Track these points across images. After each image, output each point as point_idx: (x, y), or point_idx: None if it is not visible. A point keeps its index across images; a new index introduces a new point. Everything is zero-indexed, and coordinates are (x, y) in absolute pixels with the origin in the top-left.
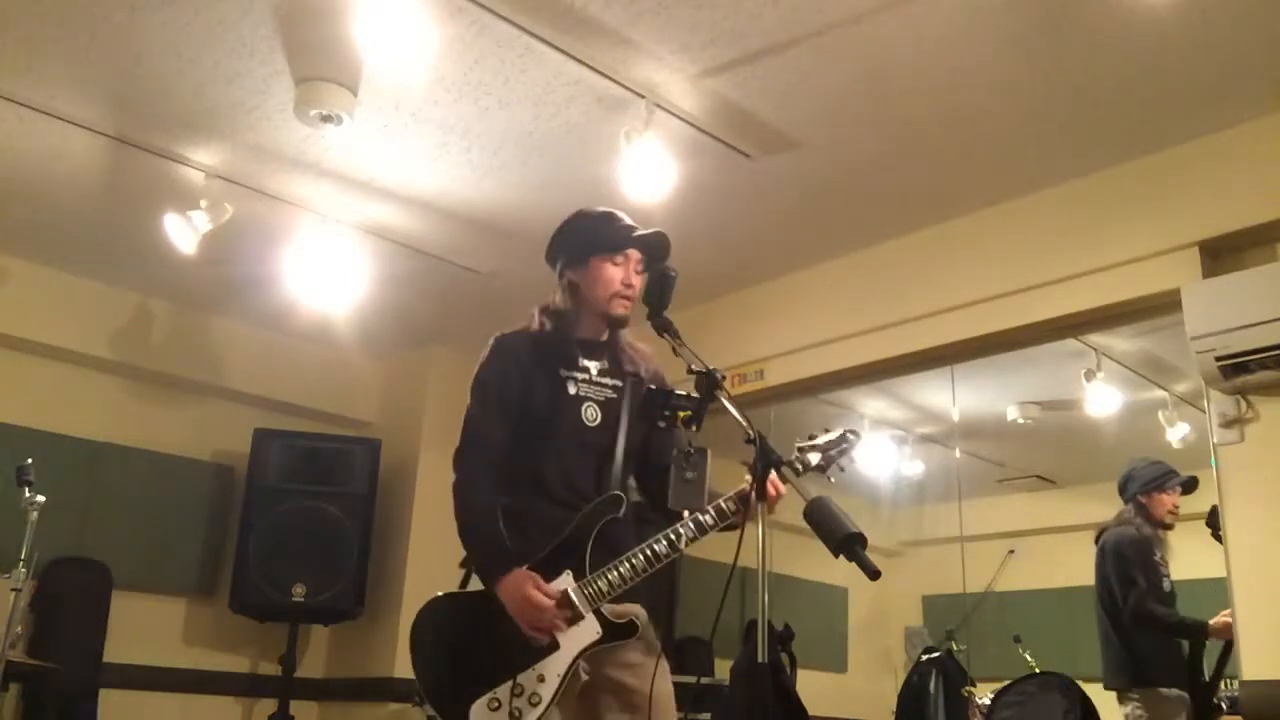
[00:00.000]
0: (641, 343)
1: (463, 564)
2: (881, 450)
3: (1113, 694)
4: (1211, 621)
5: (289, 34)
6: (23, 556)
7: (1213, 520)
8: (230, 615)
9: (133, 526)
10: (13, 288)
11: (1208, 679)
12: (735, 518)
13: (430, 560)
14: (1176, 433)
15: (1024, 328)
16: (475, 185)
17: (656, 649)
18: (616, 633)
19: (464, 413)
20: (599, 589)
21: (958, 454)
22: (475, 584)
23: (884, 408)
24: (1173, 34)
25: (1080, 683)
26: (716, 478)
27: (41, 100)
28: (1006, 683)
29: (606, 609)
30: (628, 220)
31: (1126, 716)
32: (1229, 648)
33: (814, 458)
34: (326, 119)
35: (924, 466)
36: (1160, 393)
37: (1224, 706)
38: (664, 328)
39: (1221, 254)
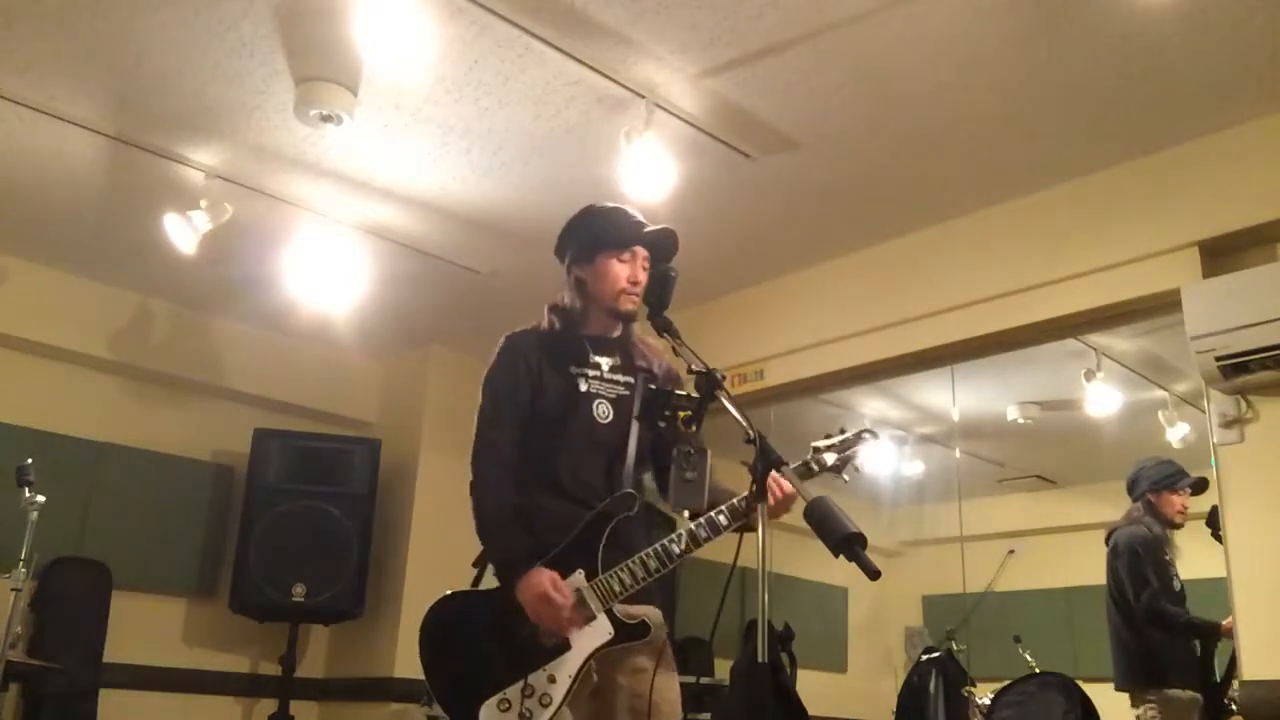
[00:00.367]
0: (653, 339)
1: (476, 563)
2: (882, 450)
3: (1112, 693)
4: (1224, 622)
5: (289, 34)
6: (23, 556)
7: (1213, 520)
8: (230, 615)
9: (133, 526)
10: (13, 288)
11: (1219, 679)
12: (750, 517)
13: (430, 560)
14: (1176, 433)
15: (1024, 328)
16: (475, 185)
17: (667, 654)
18: (628, 633)
19: (476, 413)
20: (612, 589)
21: (958, 454)
22: (488, 583)
23: (884, 408)
24: (1173, 34)
25: (1080, 683)
26: (717, 478)
27: (41, 100)
28: (1006, 683)
29: (619, 609)
30: (636, 215)
31: (1139, 718)
32: None
33: (829, 458)
34: (326, 119)
35: (924, 466)
36: (1160, 393)
37: (1234, 707)
38: (664, 327)
39: (1221, 254)
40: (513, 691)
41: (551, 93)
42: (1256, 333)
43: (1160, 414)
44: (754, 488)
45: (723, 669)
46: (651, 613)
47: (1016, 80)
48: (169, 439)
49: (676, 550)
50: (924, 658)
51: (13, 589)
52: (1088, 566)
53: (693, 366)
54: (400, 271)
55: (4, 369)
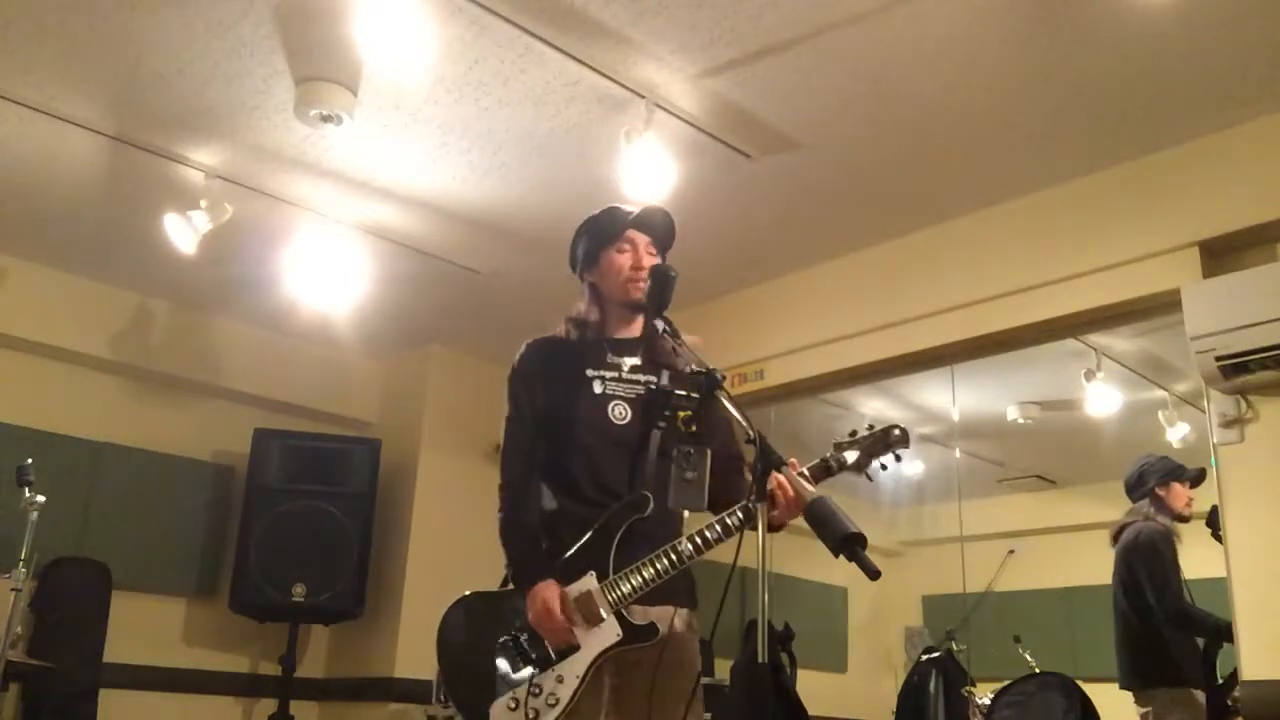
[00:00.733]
0: (692, 335)
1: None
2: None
3: (1112, 693)
4: None
5: (289, 34)
6: (23, 556)
7: (1213, 520)
8: (230, 615)
9: (133, 526)
10: (13, 288)
11: (1221, 680)
12: (771, 516)
13: (430, 560)
14: (1176, 433)
15: (1024, 328)
16: (475, 185)
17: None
18: (637, 635)
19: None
20: (622, 591)
21: (958, 454)
22: None
23: (884, 408)
24: (1173, 34)
25: (1080, 683)
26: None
27: (41, 100)
28: (1006, 683)
29: (637, 610)
30: (625, 207)
31: (1144, 716)
32: None
33: (850, 455)
34: (326, 119)
35: (924, 466)
36: (1160, 393)
37: (1237, 707)
38: (663, 327)
39: (1221, 254)
40: (521, 691)
41: (551, 93)
42: (1256, 333)
43: (1160, 414)
44: (754, 489)
45: (723, 669)
46: (676, 616)
47: (1016, 80)
48: (169, 439)
49: (687, 552)
50: (924, 658)
51: (13, 589)
52: (1088, 566)
53: (693, 366)
54: (400, 271)
55: (4, 369)
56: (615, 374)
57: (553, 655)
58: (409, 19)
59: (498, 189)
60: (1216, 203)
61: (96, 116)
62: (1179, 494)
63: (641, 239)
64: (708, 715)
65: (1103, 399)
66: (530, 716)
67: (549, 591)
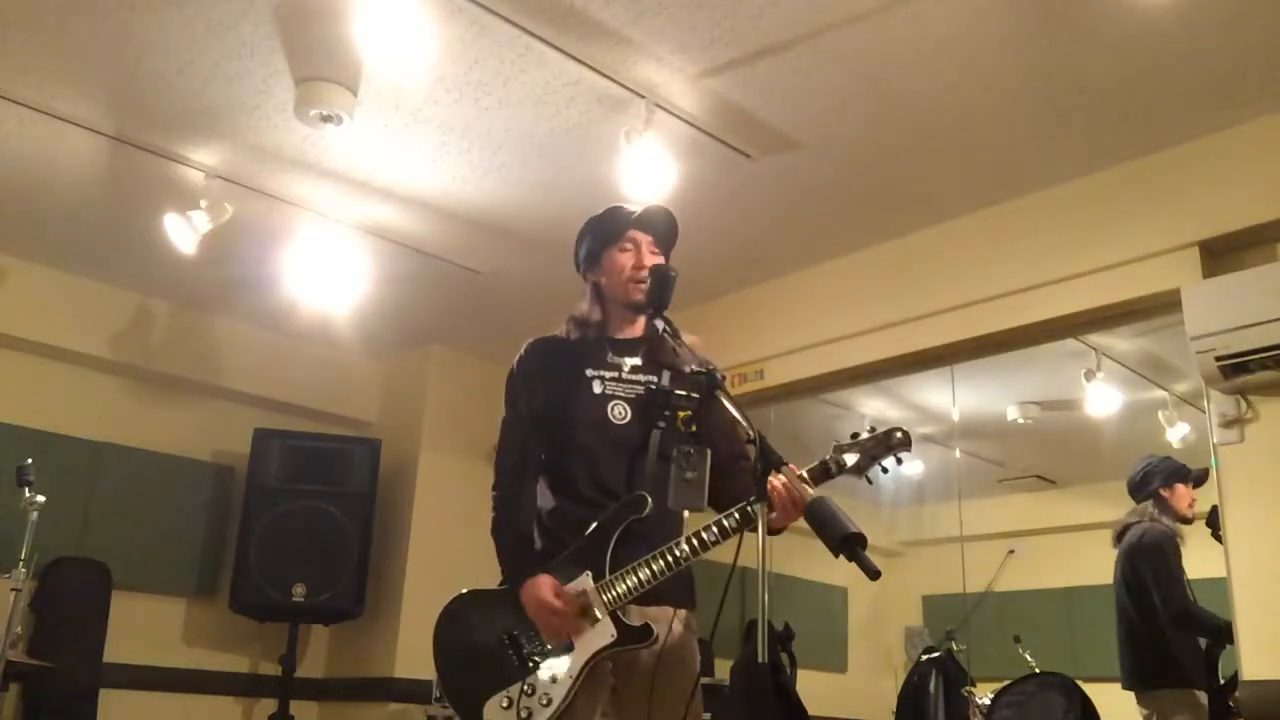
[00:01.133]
0: (691, 335)
1: None
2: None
3: (1113, 693)
4: None
5: (289, 34)
6: (23, 556)
7: (1213, 520)
8: (230, 615)
9: (133, 526)
10: (13, 288)
11: (1223, 681)
12: (771, 519)
13: (430, 560)
14: (1176, 433)
15: (1024, 328)
16: (475, 185)
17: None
18: (632, 636)
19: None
20: (618, 592)
21: (958, 454)
22: None
23: (884, 408)
24: (1173, 34)
25: (1080, 683)
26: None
27: (41, 100)
28: (1006, 683)
29: (634, 610)
30: (628, 207)
31: (1146, 717)
32: None
33: (851, 457)
34: (326, 119)
35: (924, 466)
36: (1160, 393)
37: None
38: (663, 327)
39: (1221, 254)
40: (515, 690)
41: (551, 93)
42: (1256, 333)
43: (1160, 414)
44: (754, 489)
45: (723, 669)
46: (668, 615)
47: (1016, 80)
48: (169, 439)
49: (684, 554)
50: (924, 658)
51: (13, 589)
52: (1088, 566)
53: (693, 366)
54: (400, 271)
55: (4, 369)
56: (615, 374)
57: (548, 655)
58: (409, 19)
59: (498, 189)
60: (1216, 203)
61: (96, 116)
62: (1183, 495)
63: (644, 238)
64: (707, 715)
65: (1103, 399)
66: (523, 716)
67: (544, 585)
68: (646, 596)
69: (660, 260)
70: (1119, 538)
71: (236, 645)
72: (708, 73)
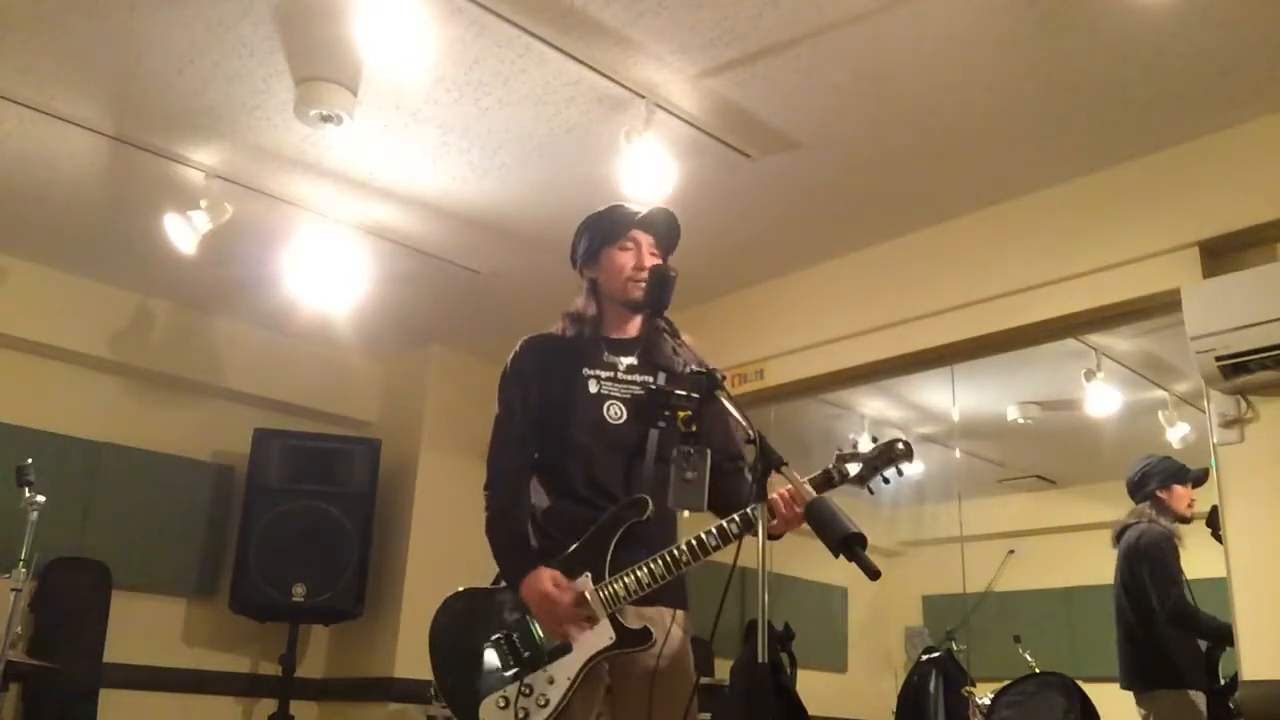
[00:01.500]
0: (687, 335)
1: None
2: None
3: (1112, 693)
4: None
5: (289, 34)
6: (23, 556)
7: (1213, 520)
8: (230, 615)
9: (133, 526)
10: (13, 288)
11: (1224, 682)
12: (769, 527)
13: (430, 560)
14: (1176, 433)
15: (1024, 328)
16: (475, 185)
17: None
18: (630, 639)
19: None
20: (616, 593)
21: (958, 454)
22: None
23: (884, 408)
24: (1173, 34)
25: (1080, 683)
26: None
27: (41, 100)
28: (1006, 683)
29: (630, 611)
30: (631, 207)
31: (1144, 718)
32: None
33: (853, 467)
34: (326, 119)
35: (924, 466)
36: (1160, 393)
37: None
38: (663, 327)
39: (1221, 254)
40: (511, 690)
41: (551, 93)
42: (1256, 333)
43: (1160, 414)
44: (754, 489)
45: (723, 669)
46: (668, 616)
47: (1016, 80)
48: (169, 439)
49: (683, 558)
50: (924, 658)
51: (13, 589)
52: (1088, 566)
53: (692, 366)
54: (400, 271)
55: (4, 369)
56: (611, 373)
57: (545, 655)
58: (409, 19)
59: (498, 189)
60: (1216, 203)
61: (96, 116)
62: (1180, 496)
63: (645, 239)
64: (706, 715)
65: (1103, 399)
66: (520, 716)
67: (545, 576)
68: (642, 597)
69: (659, 262)
70: (1117, 539)
71: (236, 645)
72: (708, 73)
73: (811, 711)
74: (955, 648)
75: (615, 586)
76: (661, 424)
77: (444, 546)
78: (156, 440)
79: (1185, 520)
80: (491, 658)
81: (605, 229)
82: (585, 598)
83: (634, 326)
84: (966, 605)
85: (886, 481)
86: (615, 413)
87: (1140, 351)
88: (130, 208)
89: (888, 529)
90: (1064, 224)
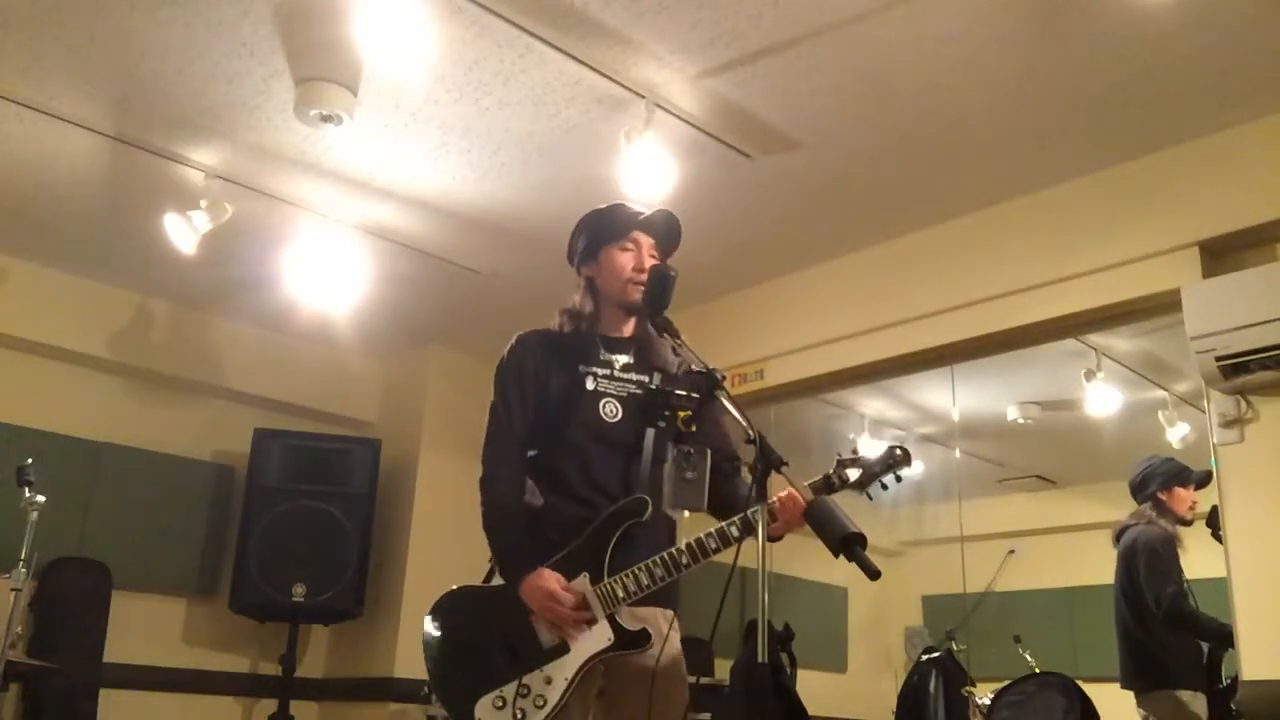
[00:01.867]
0: (685, 335)
1: (492, 559)
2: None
3: (1113, 693)
4: None
5: (289, 34)
6: (23, 556)
7: (1213, 520)
8: (230, 615)
9: (133, 526)
10: (13, 288)
11: (1225, 683)
12: (769, 529)
13: (430, 560)
14: (1176, 433)
15: (1024, 328)
16: (475, 185)
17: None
18: (629, 640)
19: (489, 410)
20: (615, 594)
21: (958, 454)
22: (499, 579)
23: (884, 408)
24: (1173, 34)
25: (1080, 683)
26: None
27: (41, 100)
28: (1006, 683)
29: (625, 612)
30: (633, 207)
31: (1145, 719)
32: None
33: (853, 473)
34: (326, 119)
35: (924, 466)
36: (1160, 393)
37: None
38: (664, 328)
39: (1221, 254)
40: (509, 690)
41: (551, 93)
42: (1256, 333)
43: (1160, 414)
44: (754, 489)
45: (723, 669)
46: (660, 617)
47: (1016, 80)
48: (169, 439)
49: (683, 560)
50: (924, 658)
51: (13, 589)
52: (1088, 566)
53: (693, 366)
54: (400, 271)
55: (4, 369)
56: (607, 371)
57: (542, 655)
58: (409, 19)
59: (498, 189)
60: (1216, 203)
61: (96, 116)
62: (1181, 498)
63: (646, 241)
64: (706, 715)
65: (1103, 399)
66: (518, 717)
67: (547, 576)
68: (643, 597)
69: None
70: (1117, 539)
71: (236, 645)
72: (708, 73)
73: (811, 711)
74: (955, 648)
75: (615, 587)
76: (661, 424)
77: (444, 546)
78: (156, 440)
79: (1186, 522)
80: (488, 656)
81: (606, 228)
82: (584, 601)
83: (630, 326)
84: (966, 605)
85: (885, 488)
86: (611, 410)
87: (1140, 351)
88: (130, 208)
89: (888, 529)
90: (1064, 224)
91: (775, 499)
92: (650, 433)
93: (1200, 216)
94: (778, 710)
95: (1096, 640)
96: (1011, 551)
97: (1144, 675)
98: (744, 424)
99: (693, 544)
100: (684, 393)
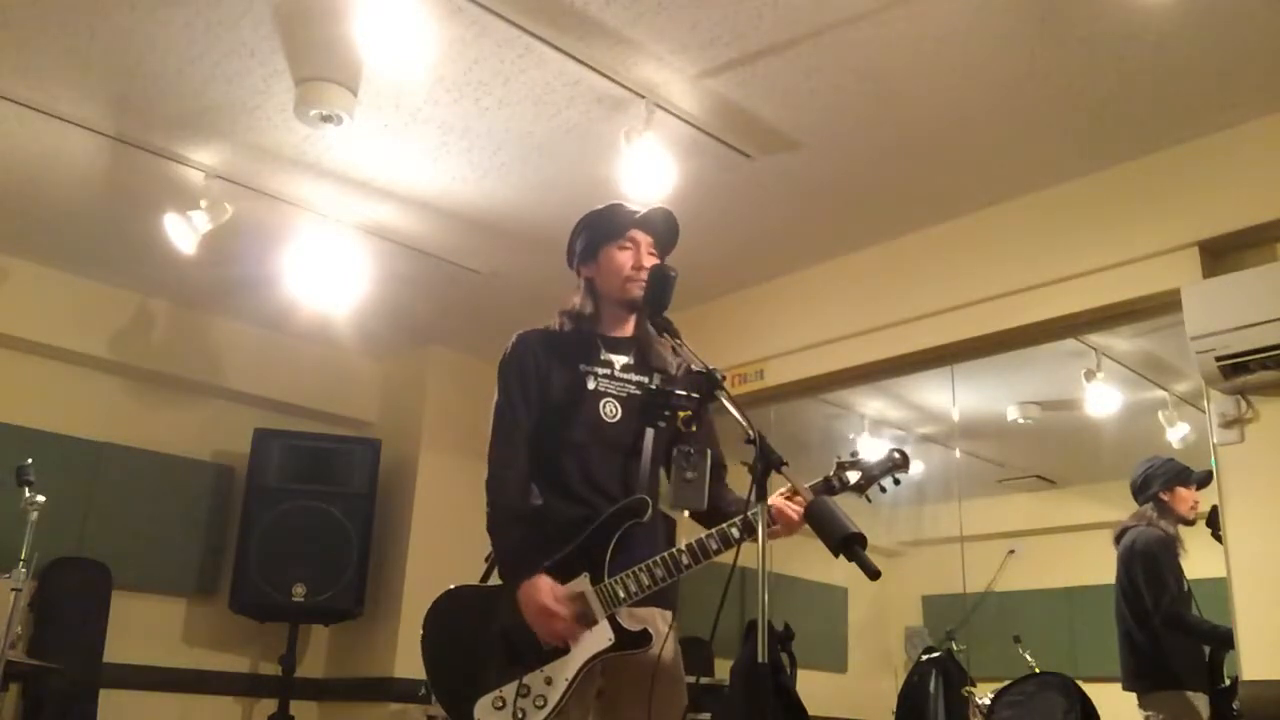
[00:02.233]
0: (685, 335)
1: (489, 558)
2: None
3: (1113, 693)
4: None
5: (289, 34)
6: (23, 556)
7: (1213, 520)
8: (230, 615)
9: (133, 526)
10: (13, 288)
11: (1226, 684)
12: (770, 530)
13: (430, 560)
14: (1176, 433)
15: (1024, 328)
16: (475, 185)
17: (673, 659)
18: (629, 641)
19: (493, 410)
20: (615, 595)
21: (958, 454)
22: (497, 578)
23: (884, 408)
24: (1173, 34)
25: (1080, 683)
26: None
27: (41, 100)
28: (1006, 683)
29: (624, 613)
30: (631, 206)
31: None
32: None
33: (853, 475)
34: (326, 119)
35: (924, 466)
36: (1160, 393)
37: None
38: (664, 328)
39: (1221, 254)
40: (508, 690)
41: (551, 93)
42: (1256, 333)
43: (1160, 414)
44: (754, 489)
45: (723, 669)
46: (659, 617)
47: (1016, 80)
48: (169, 439)
49: (684, 561)
50: (924, 658)
51: (13, 589)
52: (1088, 566)
53: (693, 366)
54: (400, 271)
55: (4, 369)
56: (607, 371)
57: (543, 655)
58: (409, 19)
59: (498, 189)
60: (1216, 203)
61: (96, 116)
62: (1183, 498)
63: (644, 239)
64: (706, 715)
65: (1103, 399)
66: (518, 717)
67: (543, 587)
68: (643, 598)
69: (658, 262)
70: (1117, 540)
71: (236, 645)
72: (708, 73)
73: (811, 711)
74: (955, 648)
75: (616, 588)
76: (661, 424)
77: (444, 546)
78: (157, 440)
79: (1188, 522)
80: (487, 656)
81: (604, 228)
82: (584, 602)
83: (629, 326)
84: (966, 605)
85: (883, 490)
86: (611, 410)
87: (1140, 351)
88: (130, 208)
89: (888, 529)
90: (1064, 224)
91: (773, 500)
92: (650, 433)
93: (1200, 216)
94: (778, 710)
95: (1096, 640)
96: (1011, 551)
97: (1146, 676)
98: (744, 424)
99: (693, 544)
100: (684, 393)
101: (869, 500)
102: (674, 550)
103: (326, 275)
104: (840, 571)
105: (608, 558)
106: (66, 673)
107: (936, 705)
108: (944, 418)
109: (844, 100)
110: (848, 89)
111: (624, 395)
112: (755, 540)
